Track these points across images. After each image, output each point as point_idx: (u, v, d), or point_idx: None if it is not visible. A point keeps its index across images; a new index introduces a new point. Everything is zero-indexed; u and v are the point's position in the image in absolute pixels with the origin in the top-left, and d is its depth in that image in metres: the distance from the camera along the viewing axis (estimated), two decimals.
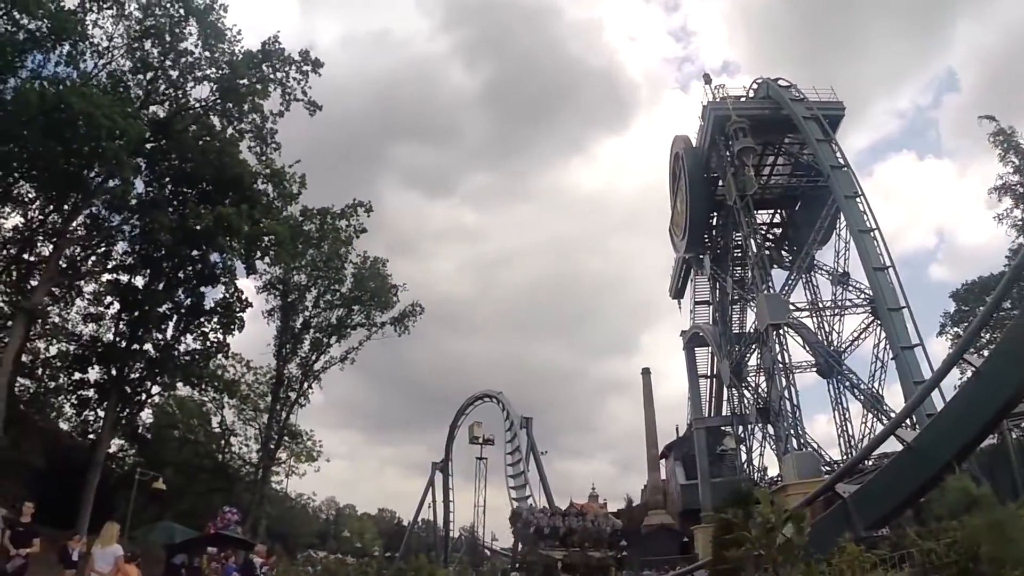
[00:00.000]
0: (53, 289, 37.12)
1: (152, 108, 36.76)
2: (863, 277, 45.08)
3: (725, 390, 59.05)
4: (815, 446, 42.91)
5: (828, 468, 39.99)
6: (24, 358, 36.95)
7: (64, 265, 37.05)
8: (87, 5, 33.32)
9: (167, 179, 38.34)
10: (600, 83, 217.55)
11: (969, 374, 37.49)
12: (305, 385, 51.96)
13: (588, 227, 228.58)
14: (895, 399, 44.11)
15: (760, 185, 50.10)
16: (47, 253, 35.73)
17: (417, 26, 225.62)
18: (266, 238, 36.55)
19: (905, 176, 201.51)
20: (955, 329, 52.08)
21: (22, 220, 36.81)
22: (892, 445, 24.91)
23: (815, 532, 16.60)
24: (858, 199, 42.80)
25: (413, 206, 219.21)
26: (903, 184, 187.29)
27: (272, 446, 51.59)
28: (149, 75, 35.97)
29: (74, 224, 36.46)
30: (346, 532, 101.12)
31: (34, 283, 35.09)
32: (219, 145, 36.73)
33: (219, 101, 36.72)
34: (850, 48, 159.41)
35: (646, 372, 74.75)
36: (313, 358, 52.02)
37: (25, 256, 37.00)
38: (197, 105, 37.19)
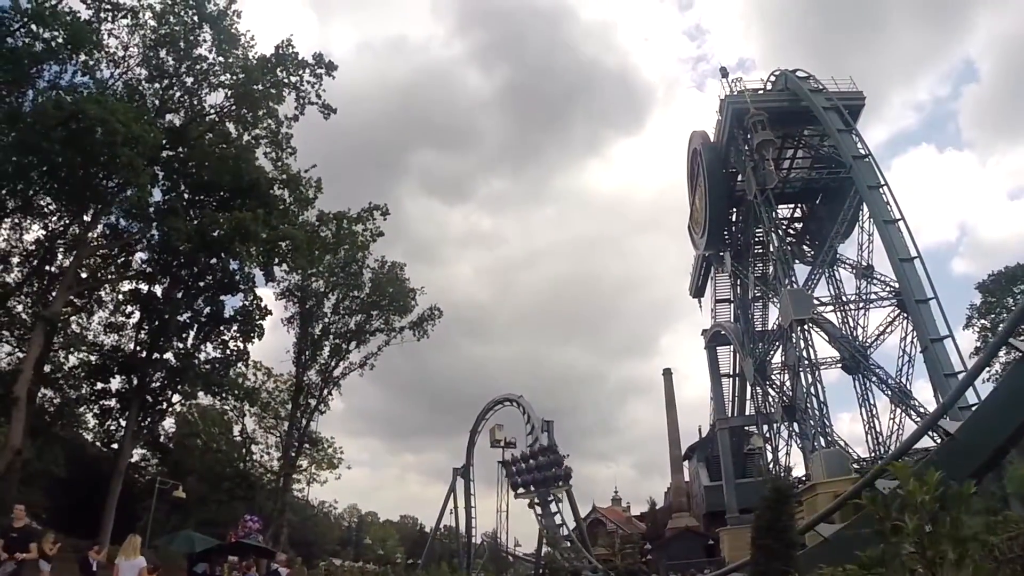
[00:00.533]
0: (74, 299, 37.15)
1: (168, 116, 36.85)
2: (887, 270, 44.45)
3: (748, 389, 58.36)
4: (842, 444, 42.23)
5: (856, 466, 39.32)
6: (47, 368, 36.96)
7: (85, 275, 37.09)
8: (102, 15, 33.35)
9: (184, 188, 38.26)
10: (615, 84, 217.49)
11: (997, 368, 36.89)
12: (325, 391, 51.86)
13: (605, 229, 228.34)
14: (920, 394, 43.61)
15: (780, 179, 49.40)
16: (68, 264, 35.74)
17: (432, 31, 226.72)
18: (283, 243, 36.40)
19: (925, 169, 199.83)
20: (982, 321, 51.24)
21: (43, 232, 36.96)
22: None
23: (854, 531, 16.14)
24: (882, 189, 42.11)
25: (432, 212, 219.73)
26: (923, 178, 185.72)
27: (293, 453, 51.48)
28: (164, 82, 36.00)
29: (93, 234, 36.52)
30: (368, 539, 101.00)
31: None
32: (235, 152, 36.64)
33: (234, 107, 36.67)
34: (866, 41, 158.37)
35: (667, 373, 74.09)
36: (332, 364, 51.92)
37: (47, 268, 37.08)
38: (212, 112, 37.17)
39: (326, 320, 52.25)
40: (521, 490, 49.81)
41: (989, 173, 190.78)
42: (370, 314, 52.77)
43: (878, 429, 45.60)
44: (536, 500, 45.49)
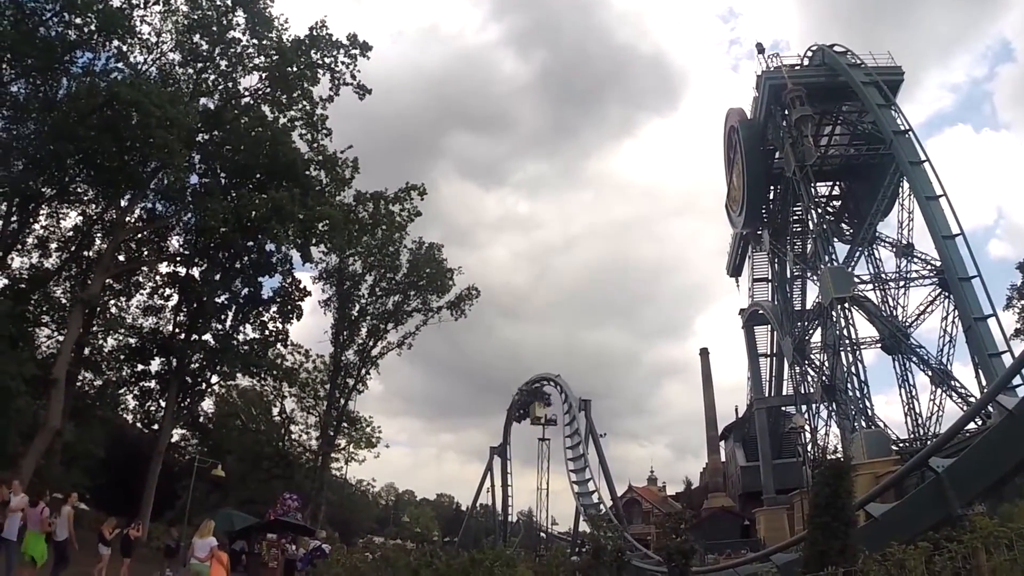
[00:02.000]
0: (112, 282, 37.59)
1: (203, 100, 36.82)
2: (927, 248, 43.68)
3: (786, 368, 57.77)
4: (883, 424, 41.63)
5: (895, 448, 38.79)
6: (87, 351, 37.54)
7: (122, 258, 37.49)
8: (134, 1, 33.34)
9: (220, 170, 38.43)
10: (649, 68, 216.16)
11: None
12: (363, 371, 52.17)
13: (641, 212, 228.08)
14: (960, 374, 42.79)
15: (819, 156, 48.54)
16: (105, 248, 36.11)
17: (467, 18, 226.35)
18: (320, 224, 36.44)
19: (961, 151, 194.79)
20: (1023, 302, 50.13)
21: (80, 218, 37.39)
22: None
23: (906, 511, 15.85)
24: (924, 165, 41.21)
25: (467, 196, 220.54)
26: (959, 159, 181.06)
27: (331, 432, 51.90)
28: (198, 66, 36.08)
29: (130, 218, 36.84)
30: (405, 518, 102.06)
31: None
32: (271, 134, 36.66)
33: (269, 89, 36.69)
34: (899, 23, 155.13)
35: (704, 352, 73.68)
36: (370, 344, 52.18)
37: (85, 253, 37.53)
38: (247, 94, 37.20)
39: (363, 301, 52.48)
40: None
41: None
42: (407, 294, 52.91)
43: (917, 410, 44.88)
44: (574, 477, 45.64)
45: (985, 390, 32.72)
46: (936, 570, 7.30)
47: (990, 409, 20.04)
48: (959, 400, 40.81)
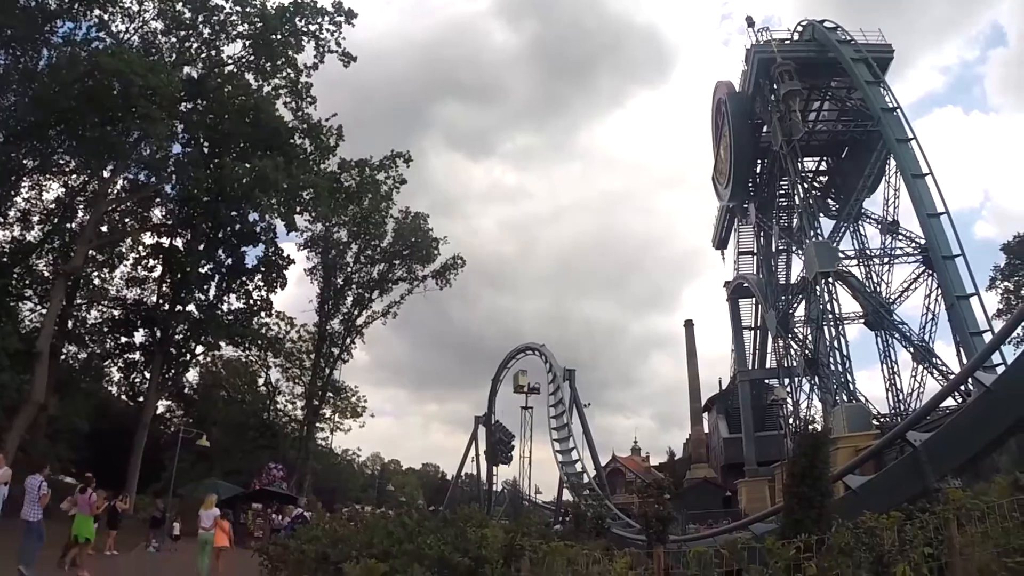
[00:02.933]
0: (95, 254, 37.36)
1: (186, 69, 36.45)
2: (913, 226, 43.72)
3: (770, 342, 58.08)
4: (864, 399, 41.96)
5: (876, 422, 39.13)
6: (70, 324, 37.39)
7: (105, 229, 37.24)
8: None
9: (203, 140, 38.09)
10: (641, 40, 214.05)
11: None
12: (348, 340, 52.33)
13: (630, 184, 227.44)
14: (941, 353, 42.94)
15: (806, 131, 48.44)
16: (87, 220, 35.87)
17: None
18: (304, 192, 36.26)
19: (949, 133, 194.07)
20: (1006, 283, 50.51)
21: (62, 190, 37.12)
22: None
23: (883, 483, 16.08)
24: (910, 143, 41.22)
25: (455, 166, 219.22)
26: (948, 141, 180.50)
27: (316, 402, 52.03)
28: (181, 34, 35.66)
29: (113, 189, 36.56)
30: (390, 487, 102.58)
31: None
32: (255, 102, 36.32)
33: (252, 57, 36.31)
34: (894, 5, 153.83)
35: (689, 324, 73.82)
36: (355, 313, 52.28)
37: (67, 225, 37.26)
38: (230, 62, 36.82)
39: (349, 270, 52.55)
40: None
41: (1015, 138, 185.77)
42: (392, 263, 53.06)
43: (899, 386, 45.29)
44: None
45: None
46: (907, 539, 7.41)
47: (971, 387, 20.31)
48: (940, 377, 41.07)
